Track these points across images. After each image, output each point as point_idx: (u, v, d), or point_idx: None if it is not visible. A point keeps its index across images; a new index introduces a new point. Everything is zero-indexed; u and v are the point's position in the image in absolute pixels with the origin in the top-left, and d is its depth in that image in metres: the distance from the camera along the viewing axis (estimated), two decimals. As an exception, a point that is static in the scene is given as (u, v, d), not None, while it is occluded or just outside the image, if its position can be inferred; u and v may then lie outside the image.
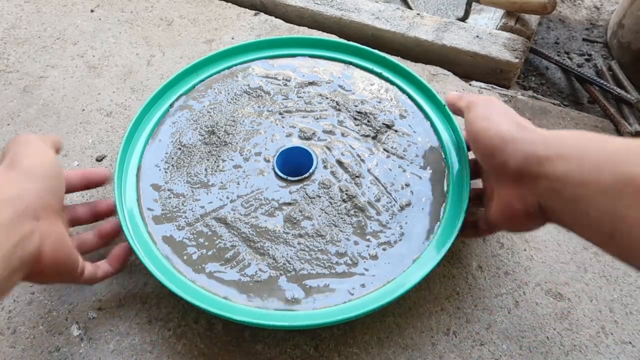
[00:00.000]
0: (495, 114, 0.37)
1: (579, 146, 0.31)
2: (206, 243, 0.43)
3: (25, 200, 0.33)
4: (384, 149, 0.49)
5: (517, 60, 0.61)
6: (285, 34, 0.66)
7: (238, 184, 0.47)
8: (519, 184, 0.34)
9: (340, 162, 0.48)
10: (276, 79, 0.54)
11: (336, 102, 0.52)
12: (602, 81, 0.70)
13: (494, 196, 0.38)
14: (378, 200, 0.46)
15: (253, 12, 0.69)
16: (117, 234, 0.44)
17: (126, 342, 0.42)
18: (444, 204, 0.45)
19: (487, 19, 0.76)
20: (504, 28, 0.68)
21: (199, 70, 0.55)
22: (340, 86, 0.54)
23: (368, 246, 0.43)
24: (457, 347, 0.42)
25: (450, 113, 0.49)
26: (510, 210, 0.35)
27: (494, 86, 0.63)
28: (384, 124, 0.50)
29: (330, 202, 0.45)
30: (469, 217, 0.43)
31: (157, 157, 0.49)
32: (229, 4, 0.70)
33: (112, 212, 0.44)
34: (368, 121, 0.51)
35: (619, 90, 0.69)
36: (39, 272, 0.34)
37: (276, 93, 0.53)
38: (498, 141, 0.35)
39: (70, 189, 0.42)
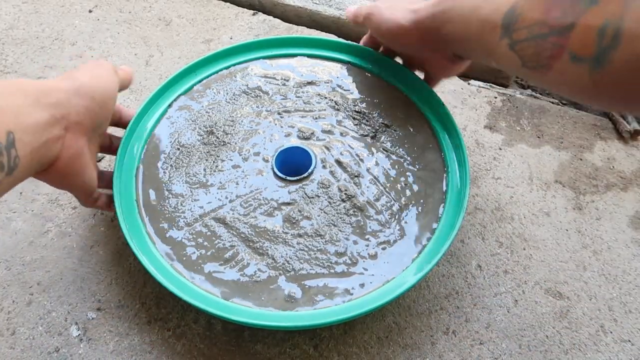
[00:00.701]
0: (389, 13, 0.46)
1: (452, 7, 0.40)
2: (205, 243, 0.43)
3: (64, 110, 0.36)
4: (383, 149, 0.49)
5: (515, 59, 0.61)
6: (284, 34, 0.66)
7: (237, 184, 0.47)
8: (437, 48, 0.45)
9: (339, 162, 0.48)
10: (275, 78, 0.54)
11: (335, 101, 0.52)
12: (600, 80, 0.70)
13: (425, 64, 0.50)
14: (377, 199, 0.46)
15: (251, 11, 0.69)
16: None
17: (125, 343, 0.42)
18: (443, 203, 0.45)
19: (485, 18, 0.76)
20: (502, 27, 0.68)
21: (197, 70, 0.55)
22: (339, 86, 0.54)
23: (367, 246, 0.43)
24: (456, 346, 0.42)
25: (449, 112, 0.50)
26: (444, 66, 0.47)
27: (493, 85, 0.63)
28: (382, 123, 0.50)
29: (330, 202, 0.45)
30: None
31: (156, 157, 0.49)
32: (227, 3, 0.70)
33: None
34: (367, 120, 0.51)
35: (617, 88, 0.69)
36: (47, 173, 0.38)
37: (275, 93, 0.53)
38: (405, 32, 0.45)
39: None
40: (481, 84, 0.63)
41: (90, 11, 0.69)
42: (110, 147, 0.48)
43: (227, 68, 0.55)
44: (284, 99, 0.53)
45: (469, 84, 0.62)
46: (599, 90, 0.31)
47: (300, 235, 0.43)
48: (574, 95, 0.35)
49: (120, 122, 0.48)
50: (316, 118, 0.51)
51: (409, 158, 0.48)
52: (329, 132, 0.50)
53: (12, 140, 0.32)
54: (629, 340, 0.42)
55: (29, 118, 0.34)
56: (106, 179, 0.46)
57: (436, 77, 0.51)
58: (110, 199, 0.45)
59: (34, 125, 0.34)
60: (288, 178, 0.47)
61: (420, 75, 0.52)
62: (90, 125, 0.39)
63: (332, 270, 0.42)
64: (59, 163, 0.37)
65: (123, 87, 0.44)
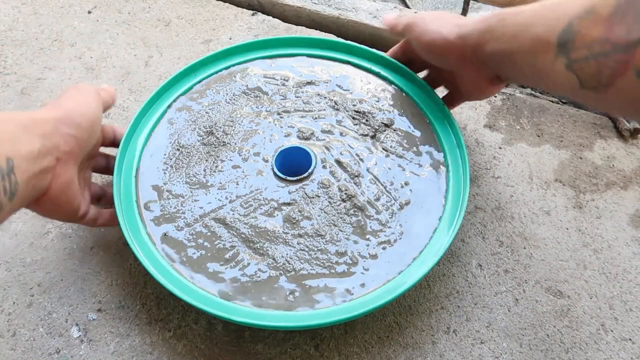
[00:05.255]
0: (433, 25, 0.45)
1: (500, 24, 0.40)
2: (205, 244, 0.43)
3: (55, 140, 0.36)
4: (383, 148, 0.49)
5: (515, 58, 0.61)
6: (283, 34, 0.66)
7: (237, 184, 0.47)
8: (479, 67, 0.44)
9: (339, 162, 0.48)
10: (274, 79, 0.54)
11: (334, 101, 0.52)
12: (600, 78, 0.70)
13: (458, 81, 0.48)
14: (377, 199, 0.46)
15: (251, 12, 0.69)
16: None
17: (126, 344, 0.42)
18: (443, 202, 0.45)
19: (484, 17, 0.76)
20: (501, 26, 0.68)
21: (197, 70, 0.55)
22: (339, 85, 0.54)
23: (368, 245, 0.43)
24: (457, 345, 0.42)
25: (449, 111, 0.50)
26: (480, 86, 0.46)
27: (492, 84, 0.63)
28: (382, 123, 0.50)
29: (330, 202, 0.45)
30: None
31: (156, 158, 0.49)
32: (227, 4, 0.70)
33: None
34: (366, 120, 0.51)
35: (617, 87, 0.69)
36: (38, 204, 0.37)
37: (274, 93, 0.53)
38: (449, 46, 0.44)
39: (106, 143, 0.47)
40: (481, 83, 0.63)
41: (89, 12, 0.69)
42: (106, 167, 0.47)
43: (226, 68, 0.55)
44: (283, 99, 0.53)
45: (468, 83, 0.62)
46: None
47: (300, 235, 0.43)
48: (638, 112, 0.34)
49: (115, 142, 0.48)
50: (316, 118, 0.51)
51: (408, 157, 0.48)
52: (329, 132, 0.50)
53: (11, 166, 0.32)
54: (630, 339, 0.42)
55: (24, 146, 0.33)
56: (108, 198, 0.46)
57: (469, 96, 0.50)
58: (112, 215, 0.44)
59: (29, 153, 0.33)
60: (288, 178, 0.47)
61: (438, 92, 0.51)
62: (80, 153, 0.39)
63: (332, 270, 0.42)
64: (49, 194, 0.37)
65: (106, 107, 0.44)
